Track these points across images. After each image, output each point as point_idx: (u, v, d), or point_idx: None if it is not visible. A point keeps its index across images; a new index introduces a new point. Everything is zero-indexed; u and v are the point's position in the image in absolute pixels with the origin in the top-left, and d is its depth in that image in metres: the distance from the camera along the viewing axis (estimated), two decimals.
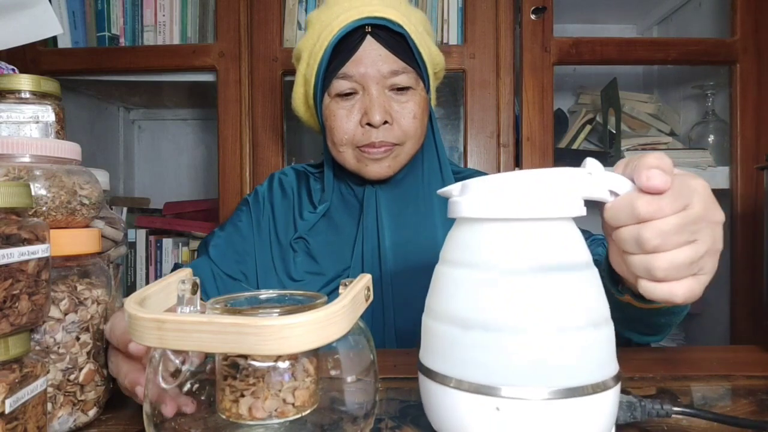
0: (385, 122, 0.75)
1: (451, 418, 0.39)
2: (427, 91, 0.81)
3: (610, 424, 0.39)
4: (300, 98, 0.85)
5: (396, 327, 0.79)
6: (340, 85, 0.76)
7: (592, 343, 0.37)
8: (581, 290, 0.38)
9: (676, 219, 0.39)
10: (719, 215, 0.41)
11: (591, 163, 0.40)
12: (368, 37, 0.75)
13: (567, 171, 0.39)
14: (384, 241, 0.80)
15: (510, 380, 0.36)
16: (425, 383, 0.41)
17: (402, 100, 0.77)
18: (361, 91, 0.77)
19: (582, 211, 0.39)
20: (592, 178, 0.40)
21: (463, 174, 0.89)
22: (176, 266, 0.93)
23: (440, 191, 0.43)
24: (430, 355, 0.41)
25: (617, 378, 0.39)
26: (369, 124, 0.75)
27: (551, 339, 0.36)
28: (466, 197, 0.40)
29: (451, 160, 0.90)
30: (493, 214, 0.39)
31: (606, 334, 0.39)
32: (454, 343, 0.39)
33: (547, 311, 0.37)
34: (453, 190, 0.42)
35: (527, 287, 0.37)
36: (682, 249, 0.39)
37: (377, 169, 0.78)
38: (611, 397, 0.38)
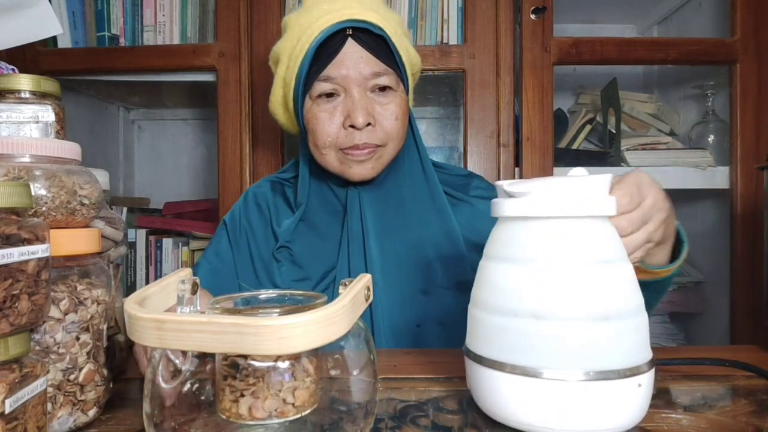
0: (368, 124, 0.76)
1: (499, 399, 0.43)
2: (407, 92, 0.82)
3: (645, 406, 0.42)
4: (278, 101, 0.85)
5: (386, 326, 0.79)
6: (321, 87, 0.77)
7: (628, 330, 0.41)
8: (618, 281, 0.42)
9: (639, 212, 0.54)
10: (664, 201, 0.58)
11: (580, 171, 0.46)
12: (349, 40, 0.76)
13: (592, 177, 0.44)
14: (369, 241, 0.81)
15: (552, 363, 0.40)
16: (473, 368, 0.45)
17: (384, 102, 0.78)
18: (343, 93, 0.77)
19: (614, 210, 0.44)
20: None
21: (445, 171, 0.90)
22: None
23: (507, 188, 0.45)
24: (478, 342, 0.45)
25: (651, 363, 0.42)
26: (352, 126, 0.76)
27: (591, 326, 0.40)
28: (510, 199, 0.45)
29: (434, 161, 0.91)
30: (539, 212, 0.43)
31: (640, 322, 0.43)
32: (501, 330, 0.43)
33: (588, 301, 0.41)
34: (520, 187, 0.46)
35: (570, 279, 0.41)
36: (641, 231, 0.55)
37: (361, 170, 0.78)
38: (646, 381, 0.41)
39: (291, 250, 0.84)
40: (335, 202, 0.85)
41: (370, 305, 0.78)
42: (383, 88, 0.78)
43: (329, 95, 0.77)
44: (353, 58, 0.76)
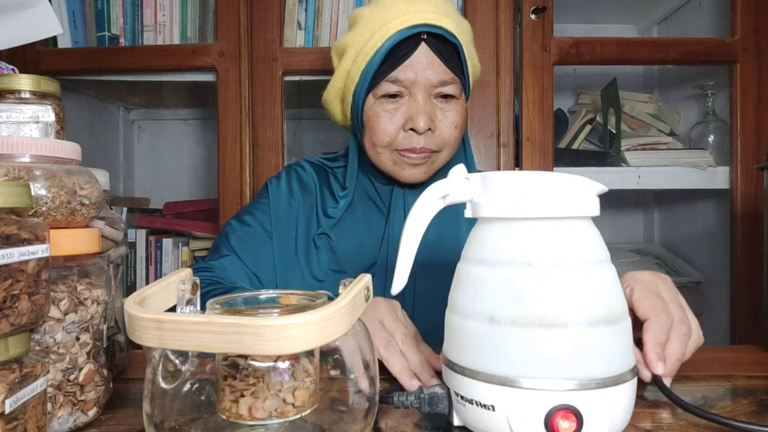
0: (428, 129, 0.76)
1: (477, 409, 0.40)
2: (467, 99, 0.83)
3: (628, 415, 0.41)
4: (335, 92, 0.84)
5: (419, 327, 0.78)
6: (387, 87, 0.77)
7: (612, 337, 0.39)
8: (602, 285, 0.40)
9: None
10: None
11: (461, 168, 0.46)
12: (422, 44, 0.75)
13: (573, 176, 0.42)
14: None
15: (533, 372, 0.38)
16: (450, 376, 0.43)
17: (445, 109, 0.78)
18: (407, 95, 0.77)
19: (597, 211, 0.42)
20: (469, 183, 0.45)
21: None
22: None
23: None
24: (455, 349, 0.43)
25: (634, 371, 0.40)
26: (412, 130, 0.76)
27: (575, 333, 0.38)
28: (488, 197, 0.42)
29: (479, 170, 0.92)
30: (520, 213, 0.41)
31: (624, 328, 0.40)
32: (478, 337, 0.40)
33: (570, 306, 0.39)
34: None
35: (551, 283, 0.39)
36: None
37: (414, 173, 0.79)
38: (628, 389, 0.39)
39: (331, 239, 0.84)
40: (379, 201, 0.85)
41: (402, 307, 0.78)
42: (446, 96, 0.78)
43: (393, 96, 0.77)
44: (423, 63, 0.75)
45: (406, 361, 0.56)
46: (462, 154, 0.86)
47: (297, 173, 0.91)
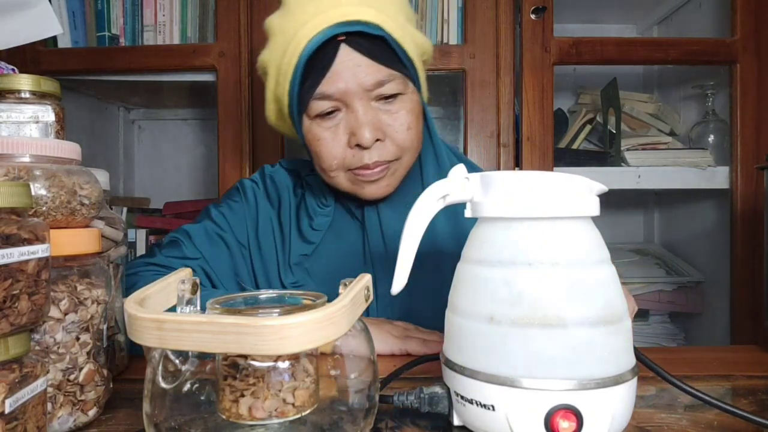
0: (377, 140, 0.67)
1: (477, 409, 0.40)
2: (419, 89, 0.72)
3: (628, 415, 0.40)
4: (273, 113, 0.76)
5: (417, 325, 0.77)
6: (318, 106, 0.67)
7: (612, 337, 0.39)
8: (603, 285, 0.40)
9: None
10: None
11: (461, 168, 0.45)
12: (343, 46, 0.65)
13: (573, 176, 0.42)
14: (392, 254, 0.78)
15: (533, 372, 0.38)
16: (450, 376, 0.42)
17: (392, 111, 0.68)
18: (343, 108, 0.67)
19: (597, 211, 0.42)
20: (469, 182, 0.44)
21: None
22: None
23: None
24: (455, 349, 0.43)
25: (634, 371, 0.40)
26: (359, 146, 0.67)
27: (575, 333, 0.38)
28: (488, 197, 0.42)
29: (451, 147, 0.83)
30: (520, 213, 0.40)
31: (624, 328, 0.40)
32: (478, 337, 0.40)
33: (570, 306, 0.38)
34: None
35: (551, 283, 0.39)
36: None
37: (375, 189, 0.71)
38: (628, 389, 0.39)
39: (310, 261, 0.77)
40: (353, 220, 0.78)
41: (391, 315, 0.76)
42: (389, 96, 0.68)
43: (328, 113, 0.68)
44: (350, 68, 0.65)
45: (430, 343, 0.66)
46: (429, 146, 0.77)
47: (272, 179, 0.83)
